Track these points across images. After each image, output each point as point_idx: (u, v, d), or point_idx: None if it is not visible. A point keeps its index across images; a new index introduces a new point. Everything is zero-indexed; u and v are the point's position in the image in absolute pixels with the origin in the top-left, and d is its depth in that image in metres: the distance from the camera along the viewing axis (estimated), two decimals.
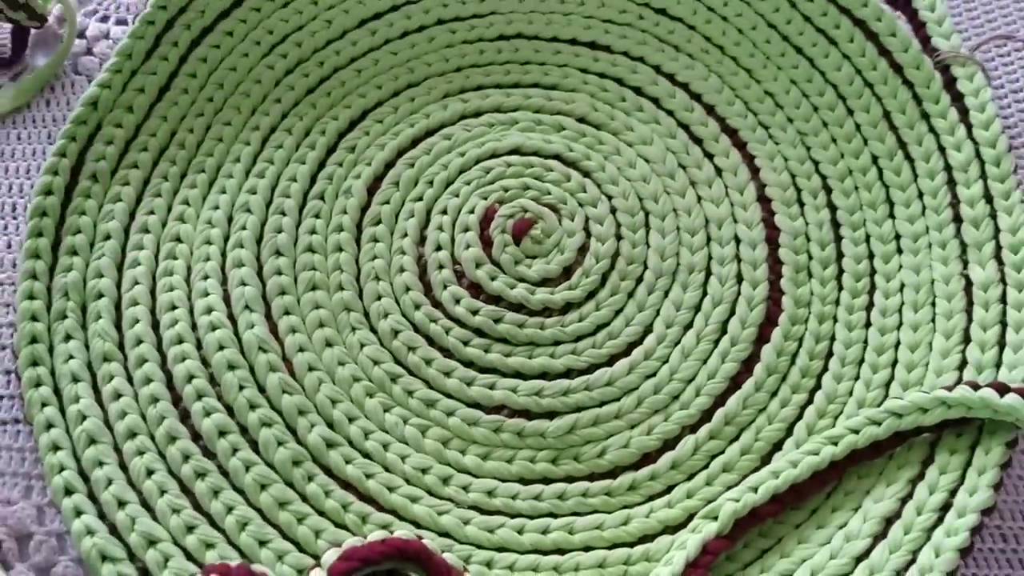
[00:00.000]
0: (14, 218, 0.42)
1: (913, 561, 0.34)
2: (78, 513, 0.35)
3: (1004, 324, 0.38)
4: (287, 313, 0.39)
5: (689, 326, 0.41)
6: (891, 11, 0.45)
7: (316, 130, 0.44)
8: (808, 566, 0.35)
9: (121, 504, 0.35)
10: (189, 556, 0.34)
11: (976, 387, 0.35)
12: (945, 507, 0.35)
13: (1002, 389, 0.35)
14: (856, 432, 0.36)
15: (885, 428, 0.36)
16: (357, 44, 0.46)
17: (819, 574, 0.34)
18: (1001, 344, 0.38)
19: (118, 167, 0.42)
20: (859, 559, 0.34)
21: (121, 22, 0.47)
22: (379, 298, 0.40)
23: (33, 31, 0.46)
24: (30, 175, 0.43)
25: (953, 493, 0.35)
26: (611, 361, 0.40)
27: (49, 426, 0.36)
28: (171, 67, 0.43)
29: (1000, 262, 0.39)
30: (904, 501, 0.35)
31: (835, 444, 0.36)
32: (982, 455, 0.35)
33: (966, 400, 0.35)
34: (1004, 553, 0.37)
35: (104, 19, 0.47)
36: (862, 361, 0.40)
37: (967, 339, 0.38)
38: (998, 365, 0.37)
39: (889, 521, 0.35)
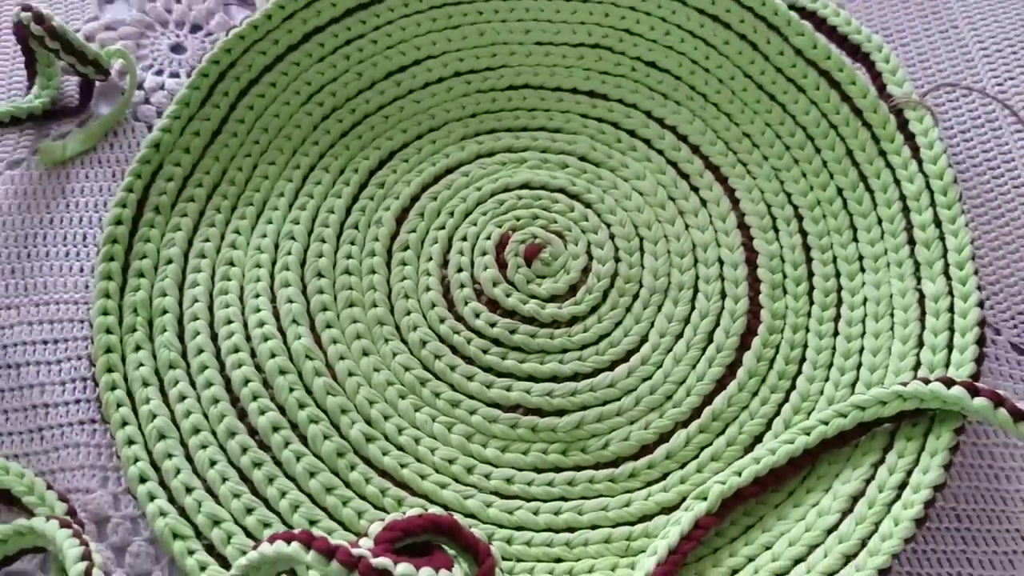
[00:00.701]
0: (85, 246, 0.44)
1: (876, 531, 0.36)
2: (151, 498, 0.37)
3: (952, 330, 0.40)
4: (328, 327, 0.42)
5: (680, 336, 0.43)
6: (851, 63, 0.47)
7: (350, 168, 0.46)
8: (786, 538, 0.37)
9: (189, 490, 0.37)
10: (248, 534, 0.37)
11: (927, 382, 0.37)
12: (902, 485, 0.37)
13: (949, 383, 0.37)
14: (826, 424, 0.38)
15: (851, 420, 0.38)
16: (384, 93, 0.48)
17: (795, 544, 0.36)
18: (950, 347, 0.40)
19: (177, 201, 0.44)
20: (830, 531, 0.37)
21: (174, 75, 0.49)
22: (408, 313, 0.43)
23: (98, 83, 0.48)
24: (97, 209, 0.45)
25: (909, 473, 0.37)
26: (612, 366, 0.42)
27: (124, 424, 0.38)
28: (223, 114, 0.46)
29: (948, 277, 0.41)
30: (868, 481, 0.37)
31: (808, 434, 0.38)
32: (934, 440, 0.37)
33: (919, 393, 0.37)
34: (959, 531, 0.39)
35: (159, 73, 0.49)
36: (831, 365, 0.42)
37: (921, 344, 0.40)
38: (947, 365, 0.39)
39: (855, 499, 0.37)
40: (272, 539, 0.31)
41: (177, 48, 0.51)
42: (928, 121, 0.45)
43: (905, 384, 0.38)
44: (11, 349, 0.41)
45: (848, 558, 0.36)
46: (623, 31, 0.49)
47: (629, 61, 0.49)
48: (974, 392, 0.37)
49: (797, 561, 0.36)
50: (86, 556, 0.33)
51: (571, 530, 0.38)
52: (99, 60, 0.47)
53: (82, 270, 0.44)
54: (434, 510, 0.36)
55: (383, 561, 0.30)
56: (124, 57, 0.48)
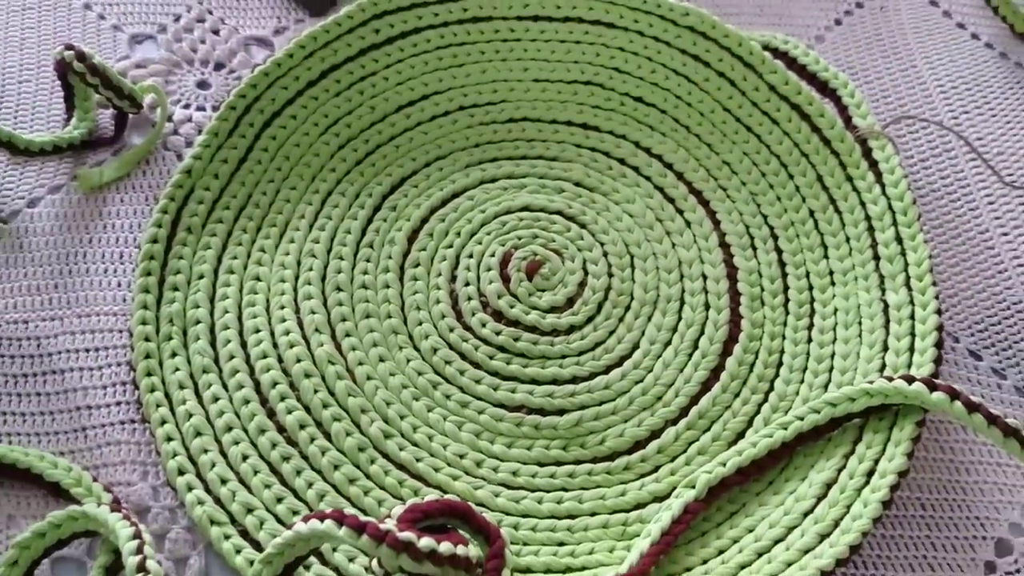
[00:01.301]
0: (121, 263, 0.46)
1: (847, 512, 0.38)
2: (189, 488, 0.39)
3: (913, 336, 0.42)
4: (348, 335, 0.44)
5: (668, 343, 0.45)
6: (820, 97, 0.49)
7: (364, 193, 0.48)
8: (766, 521, 0.39)
9: (223, 481, 0.40)
10: (279, 520, 0.39)
11: (891, 380, 0.39)
12: (871, 472, 0.39)
13: (910, 380, 0.39)
14: (802, 420, 0.41)
15: (824, 415, 0.40)
16: (395, 125, 0.50)
17: (775, 526, 0.39)
18: (911, 351, 0.42)
19: (207, 222, 0.46)
20: (806, 514, 0.39)
21: (200, 108, 0.51)
22: (420, 324, 0.45)
23: (131, 116, 0.50)
24: (132, 229, 0.47)
25: (876, 462, 0.39)
26: (607, 370, 0.44)
27: (163, 422, 0.41)
28: (248, 143, 0.48)
29: (910, 289, 0.44)
30: (840, 470, 0.40)
31: (785, 429, 0.41)
32: (898, 432, 0.40)
33: (883, 390, 0.40)
34: (923, 518, 0.42)
35: (187, 106, 0.52)
36: (805, 369, 0.44)
37: (886, 348, 0.43)
38: (909, 366, 0.42)
39: (828, 485, 0.39)
40: (306, 519, 0.34)
41: (203, 84, 0.53)
42: (890, 150, 0.47)
43: (872, 383, 0.41)
44: (56, 356, 0.44)
45: (823, 537, 0.38)
46: (613, 69, 0.52)
47: (619, 96, 0.52)
48: (932, 388, 0.39)
49: (777, 541, 0.39)
50: (137, 535, 0.36)
51: (572, 517, 0.41)
52: (133, 95, 0.50)
53: (119, 285, 0.46)
54: (449, 497, 0.38)
55: (408, 535, 0.33)
56: (156, 92, 0.50)
